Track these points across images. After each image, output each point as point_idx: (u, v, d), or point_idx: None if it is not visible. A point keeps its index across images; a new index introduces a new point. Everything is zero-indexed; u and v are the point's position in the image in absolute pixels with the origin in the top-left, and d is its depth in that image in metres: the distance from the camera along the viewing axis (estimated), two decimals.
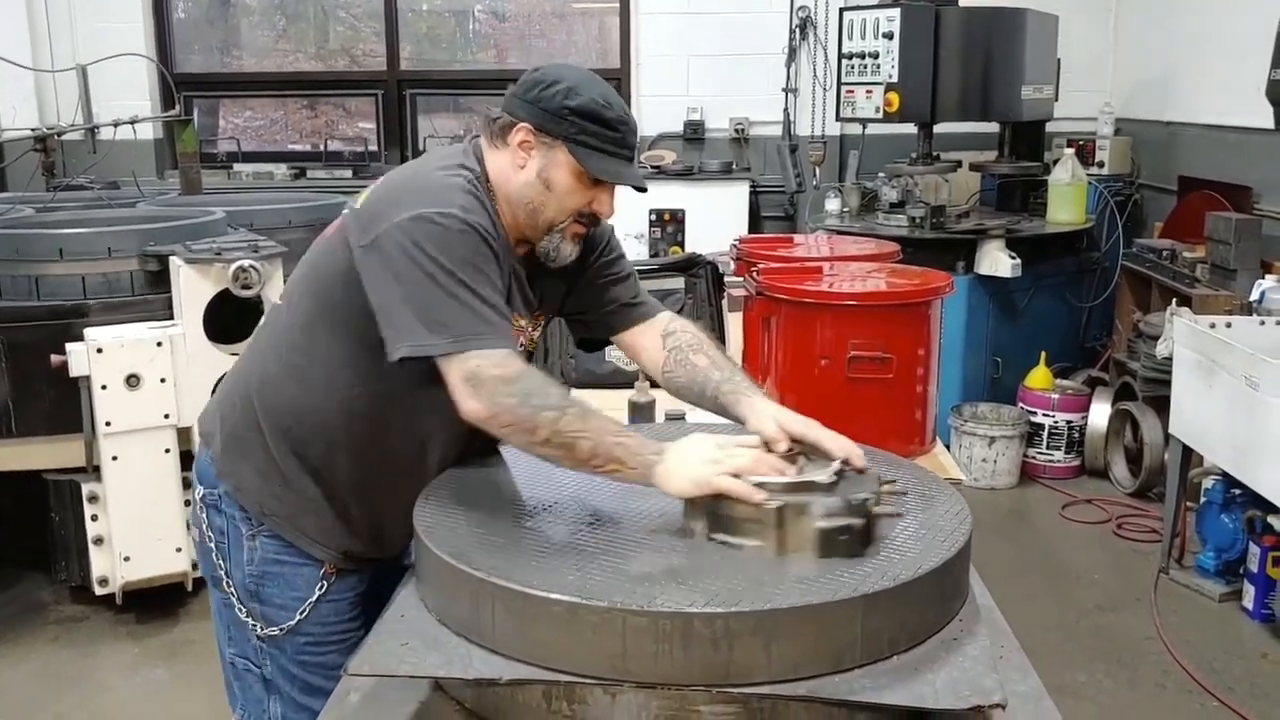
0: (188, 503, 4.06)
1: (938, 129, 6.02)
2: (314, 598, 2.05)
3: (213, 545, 2.08)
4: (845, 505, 1.63)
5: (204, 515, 2.09)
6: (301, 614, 2.04)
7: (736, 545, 1.66)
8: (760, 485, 1.66)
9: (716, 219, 6.64)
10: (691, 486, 1.70)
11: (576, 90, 1.90)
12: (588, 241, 2.10)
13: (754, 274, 2.76)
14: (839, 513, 1.62)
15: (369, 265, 1.83)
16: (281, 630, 2.05)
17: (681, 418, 2.70)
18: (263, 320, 2.17)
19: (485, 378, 1.74)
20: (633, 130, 1.97)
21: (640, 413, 2.81)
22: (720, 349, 2.18)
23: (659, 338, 2.18)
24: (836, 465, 1.75)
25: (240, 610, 2.07)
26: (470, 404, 1.76)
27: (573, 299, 2.20)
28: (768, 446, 1.82)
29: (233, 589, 2.07)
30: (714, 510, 1.69)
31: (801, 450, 1.82)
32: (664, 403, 2.86)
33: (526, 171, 1.94)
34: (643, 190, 2.03)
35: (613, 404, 2.84)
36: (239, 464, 2.05)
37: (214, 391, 2.30)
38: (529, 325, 2.09)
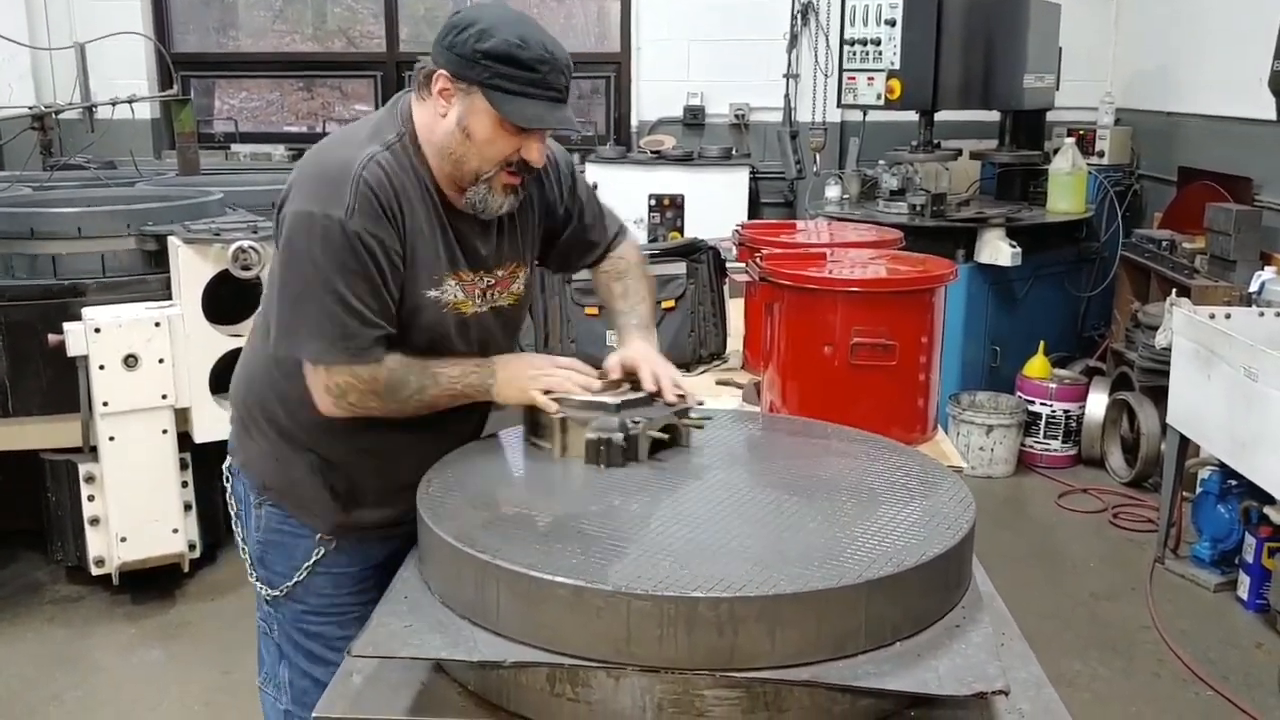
0: (185, 484, 4.07)
1: (939, 117, 6.00)
2: (310, 563, 2.11)
3: (234, 513, 2.21)
4: (616, 424, 1.91)
5: (230, 484, 2.21)
6: (296, 579, 2.11)
7: (540, 445, 1.99)
8: (560, 401, 1.97)
9: (716, 205, 6.62)
10: (516, 395, 1.99)
11: (490, 31, 1.82)
12: (552, 178, 2.14)
13: (757, 260, 2.75)
14: (605, 429, 1.90)
15: (277, 243, 1.93)
16: (280, 592, 2.13)
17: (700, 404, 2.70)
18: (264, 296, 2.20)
19: (350, 390, 1.90)
20: (557, 69, 1.86)
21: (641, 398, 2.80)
22: (642, 282, 2.32)
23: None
24: (640, 395, 2.01)
25: (250, 574, 2.18)
26: (329, 409, 1.93)
27: (549, 240, 2.23)
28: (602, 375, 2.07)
29: (247, 555, 2.18)
30: (531, 417, 2.02)
31: (632, 382, 2.07)
32: None
33: (447, 120, 1.89)
34: (576, 134, 2.01)
35: None
36: (245, 439, 2.15)
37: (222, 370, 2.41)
38: (490, 277, 2.06)
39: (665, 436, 1.96)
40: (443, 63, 1.87)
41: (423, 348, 1.97)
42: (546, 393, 1.97)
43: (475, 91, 1.86)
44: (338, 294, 1.84)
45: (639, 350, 2.12)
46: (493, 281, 2.07)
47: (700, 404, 2.12)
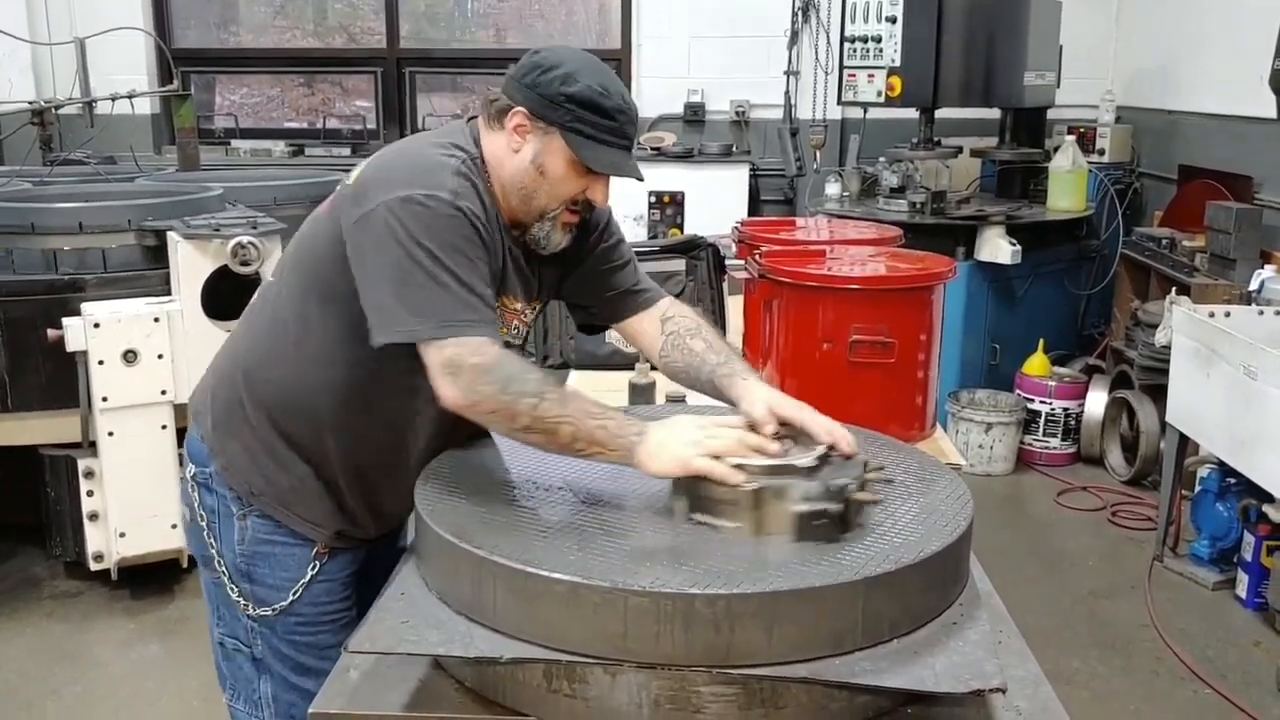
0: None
1: (939, 114, 6.00)
2: (306, 579, 2.03)
3: (204, 524, 2.06)
4: (823, 490, 1.62)
5: (195, 494, 2.07)
6: (295, 594, 2.03)
7: (715, 526, 1.66)
8: (739, 467, 1.66)
9: (716, 202, 6.63)
10: (673, 466, 1.70)
11: (575, 76, 1.86)
12: (585, 225, 2.08)
13: (756, 257, 2.75)
14: (816, 497, 1.61)
15: (356, 242, 1.82)
16: (274, 611, 2.04)
17: (682, 400, 2.70)
18: (254, 297, 2.14)
19: (464, 365, 1.74)
20: (631, 119, 1.92)
21: (640, 394, 2.80)
22: (718, 334, 2.18)
23: (658, 322, 2.17)
24: (821, 449, 1.75)
25: (231, 590, 2.05)
26: (449, 391, 1.75)
27: (572, 284, 2.18)
28: (755, 429, 1.81)
29: (224, 569, 2.05)
30: (694, 491, 1.69)
31: (790, 434, 1.82)
32: (664, 385, 2.86)
33: (521, 156, 1.90)
34: (640, 180, 1.99)
35: (613, 386, 2.85)
36: (228, 443, 2.03)
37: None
38: (528, 309, 2.08)
39: (877, 498, 1.72)
40: (521, 100, 1.89)
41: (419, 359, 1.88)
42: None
43: (554, 133, 1.88)
44: (448, 270, 1.75)
45: (784, 398, 1.90)
46: (523, 313, 2.07)
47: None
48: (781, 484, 1.65)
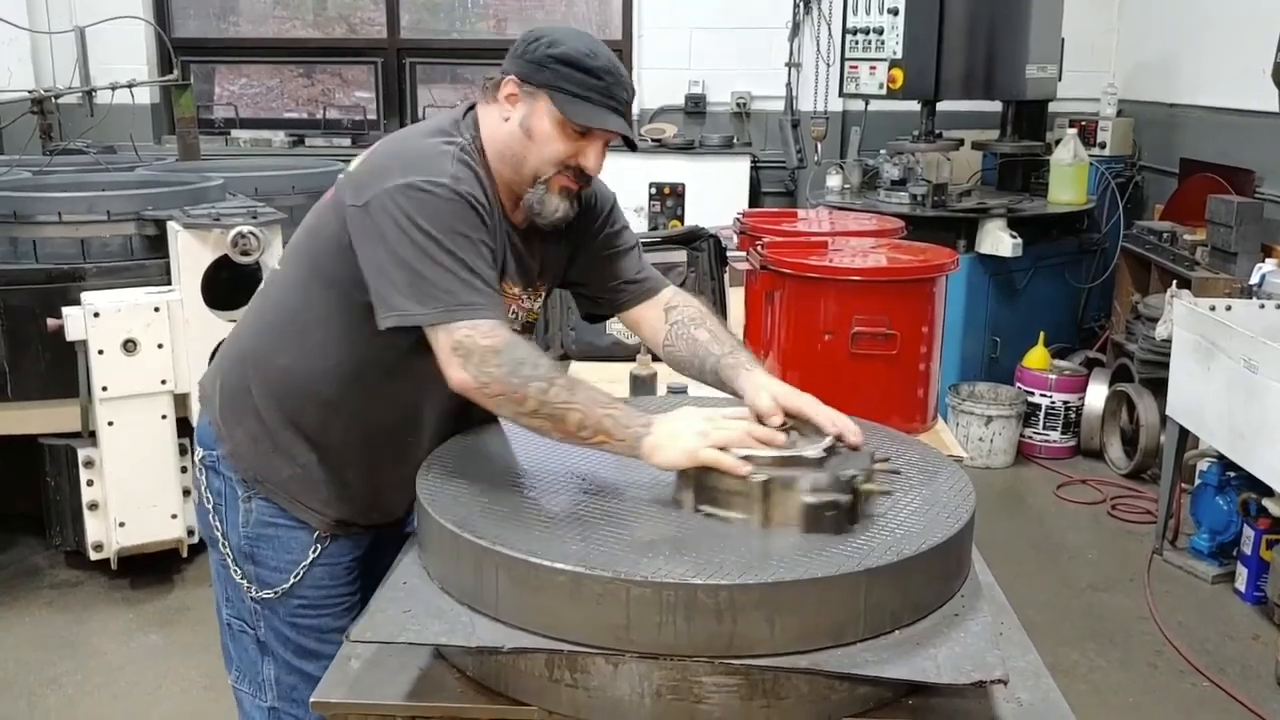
0: (184, 469, 4.07)
1: (940, 107, 5.99)
2: (307, 561, 2.05)
3: (210, 507, 2.09)
4: (832, 481, 1.62)
5: (203, 477, 2.10)
6: (295, 577, 2.05)
7: (722, 518, 1.65)
8: (747, 459, 1.66)
9: (717, 193, 6.62)
10: (679, 458, 1.69)
11: (560, 41, 1.89)
12: (589, 211, 2.09)
13: (758, 248, 2.75)
14: (825, 488, 1.62)
15: (360, 231, 1.82)
16: (275, 593, 2.05)
17: (683, 391, 2.70)
18: (261, 285, 2.16)
19: (474, 348, 1.74)
20: (621, 83, 1.91)
21: (642, 386, 2.80)
22: (722, 324, 2.18)
23: (661, 312, 2.17)
24: (828, 441, 1.74)
25: (235, 572, 2.07)
26: (458, 374, 1.75)
27: (576, 270, 2.18)
28: (761, 420, 1.81)
29: (229, 550, 2.07)
30: (702, 482, 1.68)
31: (795, 425, 1.81)
32: (665, 376, 2.86)
33: (510, 123, 1.92)
34: (633, 146, 1.99)
35: (614, 376, 2.85)
36: (234, 428, 2.05)
37: (212, 356, 2.30)
38: (527, 295, 2.08)
39: (886, 489, 1.72)
40: (512, 70, 1.92)
41: (424, 346, 1.88)
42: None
43: (541, 94, 1.89)
44: (452, 254, 1.76)
45: (789, 389, 1.89)
46: (525, 298, 2.07)
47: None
48: (790, 475, 1.64)
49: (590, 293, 2.23)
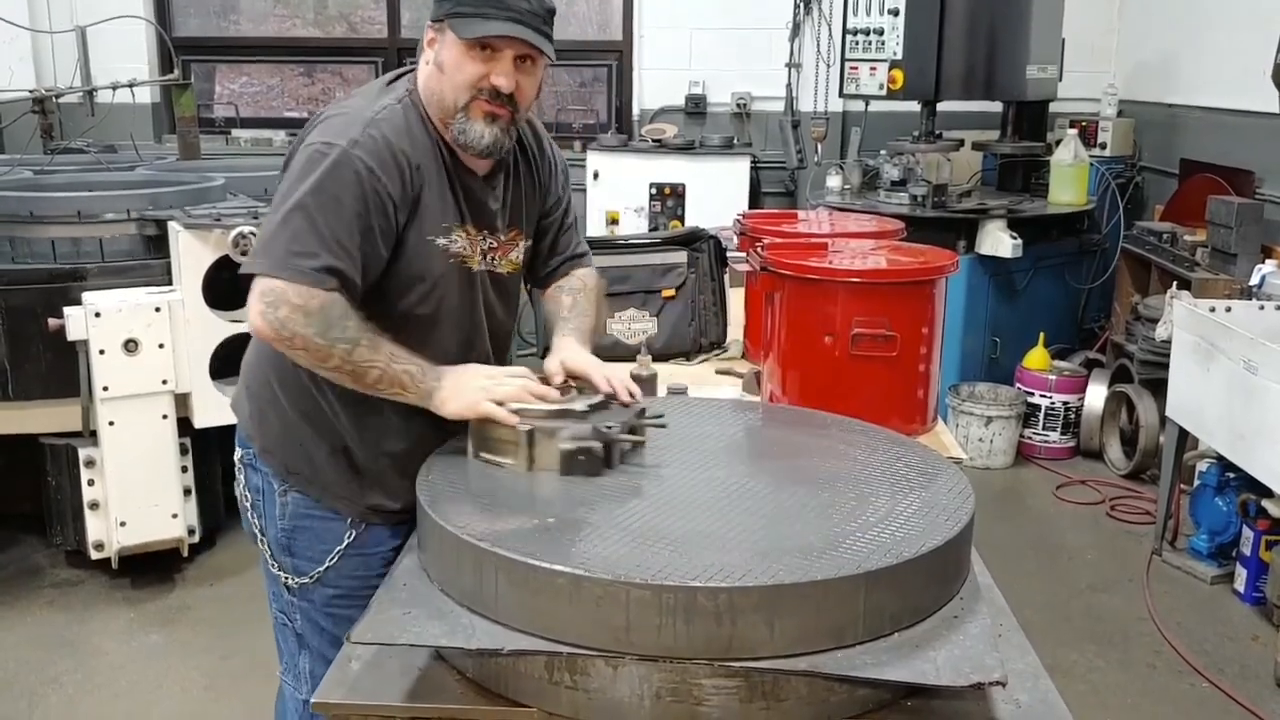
0: (185, 468, 4.08)
1: (941, 107, 5.99)
2: (341, 546, 2.09)
3: (249, 505, 2.16)
4: (590, 431, 1.84)
5: (242, 476, 2.17)
6: (331, 561, 2.09)
7: (497, 462, 1.86)
8: (519, 412, 1.86)
9: (717, 193, 6.62)
10: (463, 409, 1.89)
11: None
12: (552, 167, 2.19)
13: (758, 249, 2.75)
14: (581, 437, 1.83)
15: None
16: (311, 578, 2.10)
17: (683, 391, 2.71)
18: None
19: (282, 302, 1.83)
20: None
21: (642, 385, 2.79)
22: (594, 300, 2.31)
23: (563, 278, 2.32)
24: (598, 398, 1.96)
25: (273, 565, 2.13)
26: (259, 321, 1.86)
27: (539, 227, 2.25)
28: (546, 380, 2.02)
29: (267, 545, 2.13)
30: (480, 432, 1.89)
31: (579, 385, 2.03)
32: (666, 377, 2.86)
33: (430, 65, 1.98)
34: (535, 48, 1.94)
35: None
36: (264, 424, 2.12)
37: (213, 357, 2.33)
38: (492, 239, 2.10)
39: (639, 439, 1.93)
40: (430, 19, 1.99)
41: (429, 309, 2.00)
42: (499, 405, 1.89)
43: (445, 28, 1.94)
44: (306, 212, 1.84)
45: (581, 354, 2.11)
46: (494, 244, 2.10)
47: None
48: (554, 426, 1.85)
49: (539, 257, 2.30)
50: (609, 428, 1.86)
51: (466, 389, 1.90)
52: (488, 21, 1.90)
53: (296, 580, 2.11)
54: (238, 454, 2.17)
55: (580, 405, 1.92)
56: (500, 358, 2.20)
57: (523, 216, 2.17)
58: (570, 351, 2.11)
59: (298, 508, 2.09)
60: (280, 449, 2.09)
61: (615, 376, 2.04)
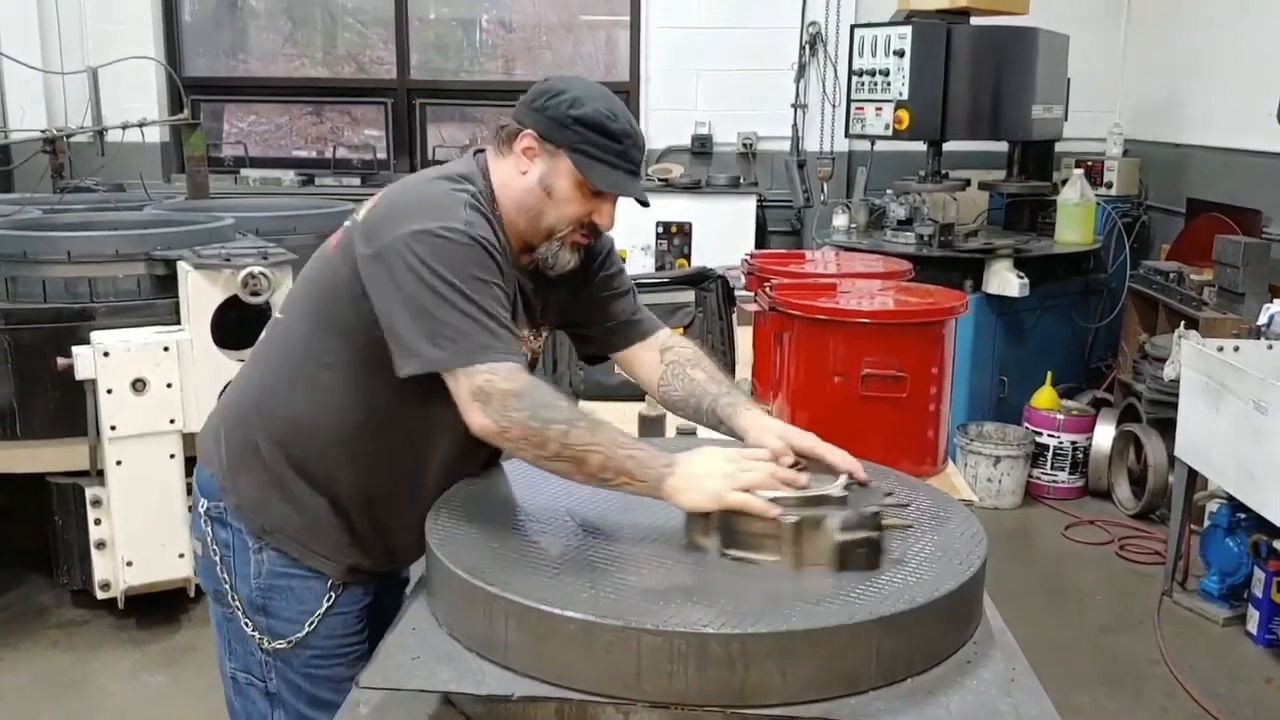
0: (191, 508, 4.05)
1: (947, 147, 6.02)
2: (322, 610, 2.03)
3: (217, 559, 2.05)
4: (860, 518, 1.64)
5: (208, 528, 2.07)
6: (310, 626, 2.02)
7: (753, 561, 1.65)
8: (775, 500, 1.65)
9: (723, 232, 6.65)
10: (706, 500, 1.69)
11: (583, 100, 1.91)
12: (588, 252, 2.10)
13: (767, 289, 2.75)
14: (856, 525, 1.63)
15: (374, 280, 1.82)
16: (289, 643, 2.03)
17: (692, 433, 2.69)
18: (263, 335, 2.15)
19: (494, 392, 1.74)
20: (638, 145, 1.95)
21: (650, 427, 2.80)
22: (718, 365, 2.20)
23: (657, 352, 2.20)
24: (844, 479, 1.77)
25: (246, 624, 2.04)
26: (479, 419, 1.76)
27: (576, 311, 2.19)
28: (774, 460, 1.81)
29: (238, 603, 2.04)
30: (727, 525, 1.67)
31: (805, 464, 1.83)
32: (674, 418, 2.85)
33: (528, 177, 1.94)
34: (645, 204, 2.03)
35: (622, 417, 2.82)
36: (240, 480, 2.03)
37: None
38: (532, 336, 2.09)
39: (908, 524, 1.76)
40: (530, 123, 1.93)
41: (432, 393, 1.89)
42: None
43: (561, 154, 1.91)
44: (469, 299, 1.76)
45: (793, 429, 1.94)
46: (531, 339, 2.08)
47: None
48: (818, 515, 1.64)
49: (588, 333, 2.25)
50: (874, 513, 1.67)
51: (706, 476, 1.71)
52: (616, 174, 1.92)
53: (273, 643, 2.03)
54: (202, 505, 2.07)
55: (836, 490, 1.73)
56: None
57: (553, 308, 2.14)
58: (781, 427, 1.96)
59: (274, 567, 2.02)
60: (259, 505, 2.01)
61: (845, 454, 1.87)
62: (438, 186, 1.91)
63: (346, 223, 1.99)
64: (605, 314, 2.20)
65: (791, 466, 1.81)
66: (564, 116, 1.90)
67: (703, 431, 2.73)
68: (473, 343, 1.75)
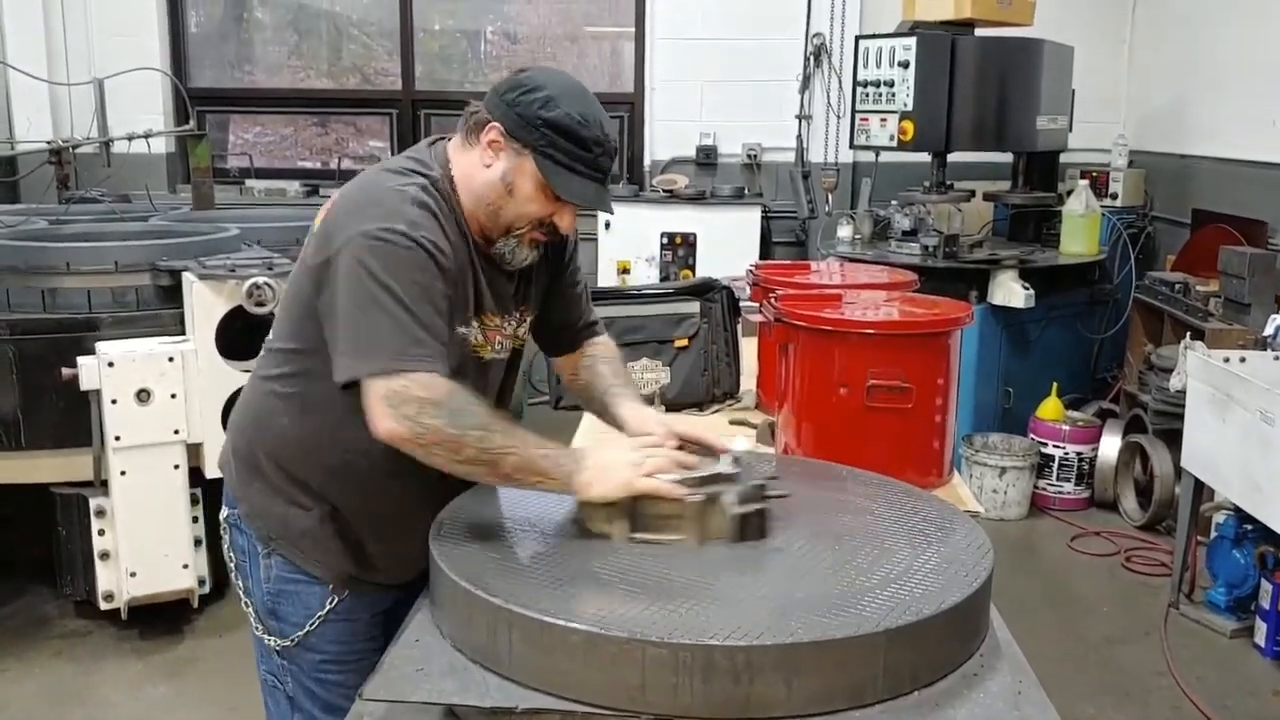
0: (195, 519, 4.06)
1: (951, 158, 6.01)
2: (323, 612, 2.06)
3: (234, 564, 2.13)
4: (749, 491, 1.77)
5: (228, 535, 2.14)
6: (310, 626, 2.06)
7: (660, 541, 1.74)
8: (679, 482, 1.75)
9: (728, 243, 6.65)
10: (618, 489, 1.75)
11: (556, 102, 1.87)
12: (558, 247, 2.13)
13: (772, 300, 2.74)
14: (748, 499, 1.76)
15: (327, 288, 1.84)
16: (292, 642, 2.07)
17: None
18: (262, 348, 2.16)
19: (408, 398, 1.74)
20: (608, 153, 1.92)
21: None
22: (627, 371, 2.29)
23: (582, 348, 2.26)
24: (729, 457, 1.87)
25: (258, 627, 2.10)
26: (387, 424, 1.75)
27: (548, 300, 2.21)
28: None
29: (252, 607, 2.11)
30: (635, 511, 1.76)
31: (687, 447, 1.92)
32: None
33: (491, 171, 1.92)
34: (609, 212, 2.04)
35: (604, 424, 2.82)
36: (247, 488, 2.09)
37: (224, 412, 2.32)
38: (509, 322, 2.08)
39: (786, 494, 1.87)
40: (499, 117, 1.90)
41: None
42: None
43: (526, 154, 1.89)
44: (401, 304, 1.76)
45: (669, 416, 2.06)
46: (509, 326, 2.08)
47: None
48: (716, 491, 1.75)
49: (552, 327, 2.26)
50: (759, 485, 1.80)
51: (613, 467, 1.77)
52: (581, 181, 1.89)
53: (280, 643, 2.09)
54: (224, 513, 2.14)
55: (728, 468, 1.83)
56: None
57: (533, 293, 2.14)
58: (659, 415, 2.07)
59: (280, 572, 2.07)
60: (264, 512, 2.06)
61: (719, 436, 1.98)
62: (385, 183, 1.90)
63: (310, 230, 1.99)
64: (569, 310, 2.24)
65: (679, 449, 1.89)
66: (534, 116, 1.87)
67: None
68: (393, 350, 1.76)
